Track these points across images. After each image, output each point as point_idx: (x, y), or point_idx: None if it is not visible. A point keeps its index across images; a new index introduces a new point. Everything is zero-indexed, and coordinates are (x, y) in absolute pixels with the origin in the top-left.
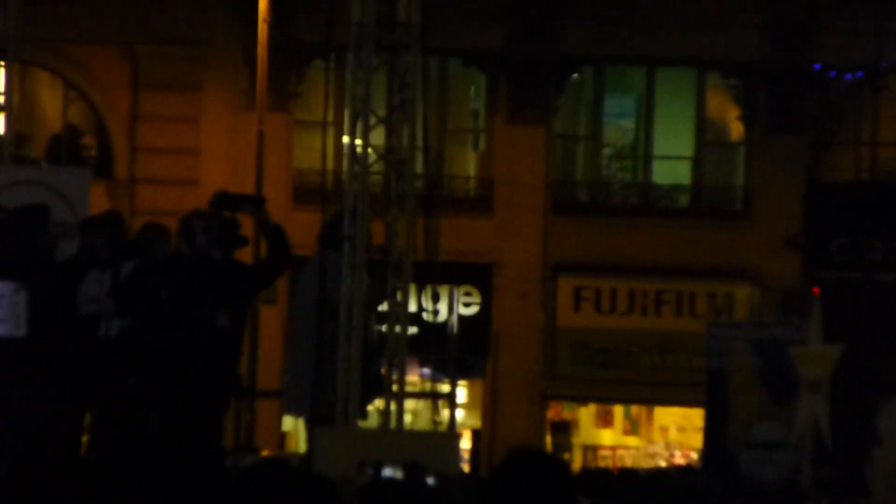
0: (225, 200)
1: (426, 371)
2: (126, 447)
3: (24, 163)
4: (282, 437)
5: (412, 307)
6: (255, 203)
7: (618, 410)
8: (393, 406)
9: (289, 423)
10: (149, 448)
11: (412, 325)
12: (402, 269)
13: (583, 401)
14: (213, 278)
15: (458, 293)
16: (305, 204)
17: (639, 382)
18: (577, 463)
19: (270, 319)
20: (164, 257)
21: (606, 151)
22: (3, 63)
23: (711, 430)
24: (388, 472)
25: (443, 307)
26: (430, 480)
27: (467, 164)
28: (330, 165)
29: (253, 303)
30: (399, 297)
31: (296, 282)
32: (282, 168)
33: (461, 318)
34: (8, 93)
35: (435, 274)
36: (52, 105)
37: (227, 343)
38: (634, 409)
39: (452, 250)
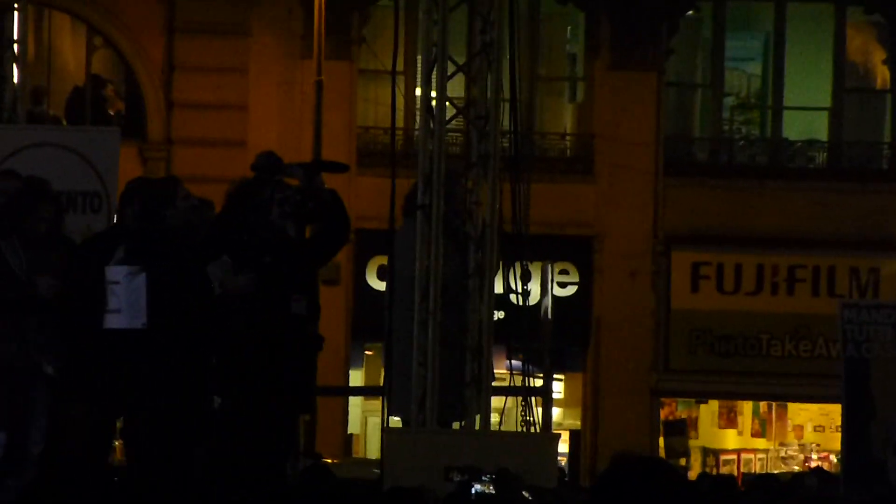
0: (311, 166)
1: (515, 363)
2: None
3: (41, 121)
4: (348, 440)
5: (498, 288)
6: (341, 169)
7: (744, 408)
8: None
9: (356, 424)
10: (217, 454)
11: (498, 308)
12: (486, 242)
13: (702, 397)
14: (290, 259)
15: (553, 271)
16: (371, 167)
17: (768, 375)
18: (695, 470)
19: (332, 302)
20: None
21: (729, 102)
22: (16, 5)
23: (851, 432)
24: (476, 486)
25: (534, 287)
26: (525, 494)
27: (563, 119)
28: (400, 122)
29: None
30: (482, 276)
31: (390, 261)
32: (343, 125)
33: (557, 300)
34: (22, 40)
35: (525, 248)
36: (73, 54)
37: (306, 334)
38: (763, 406)
39: (546, 220)
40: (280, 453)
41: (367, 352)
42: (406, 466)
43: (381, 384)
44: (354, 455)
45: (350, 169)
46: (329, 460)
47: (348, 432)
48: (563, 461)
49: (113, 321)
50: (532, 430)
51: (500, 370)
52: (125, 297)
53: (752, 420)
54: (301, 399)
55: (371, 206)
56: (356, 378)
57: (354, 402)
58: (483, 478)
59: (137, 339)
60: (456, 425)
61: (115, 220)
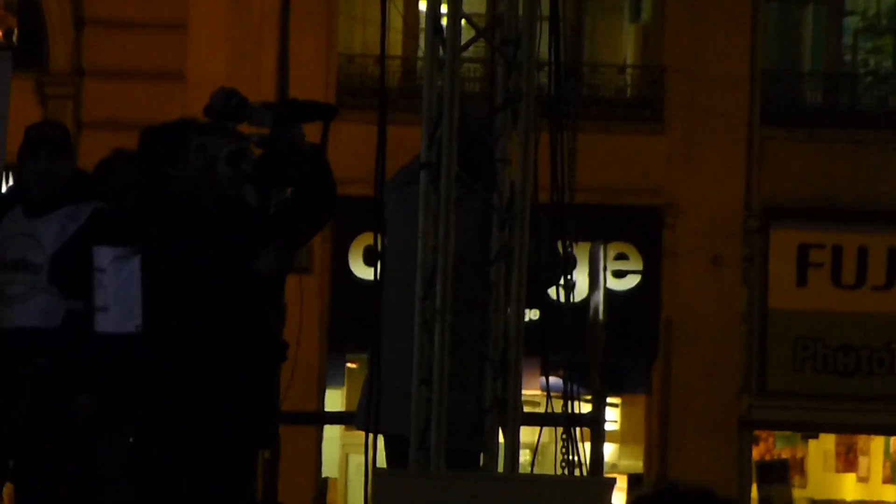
0: (283, 108)
1: (554, 382)
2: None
3: None
4: (323, 485)
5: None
6: (327, 114)
7: (870, 445)
8: (501, 437)
9: (332, 464)
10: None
11: (531, 306)
12: (516, 215)
13: (811, 430)
14: (246, 233)
15: (608, 255)
16: (357, 110)
17: None
18: None
19: (302, 298)
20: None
21: (851, 23)
22: None
23: None
24: None
25: (582, 278)
26: None
27: (622, 46)
28: (396, 48)
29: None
30: (509, 261)
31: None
32: (319, 52)
33: (612, 295)
34: None
35: (568, 224)
36: None
37: (265, 340)
38: (894, 442)
39: (598, 185)
40: None
41: (349, 364)
42: None
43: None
44: None
45: (337, 113)
46: None
47: (322, 475)
48: None
49: (101, 321)
50: (577, 472)
51: (532, 390)
52: (113, 290)
53: (884, 462)
54: (257, 429)
55: (355, 163)
56: (334, 400)
57: (332, 434)
58: None
59: (129, 346)
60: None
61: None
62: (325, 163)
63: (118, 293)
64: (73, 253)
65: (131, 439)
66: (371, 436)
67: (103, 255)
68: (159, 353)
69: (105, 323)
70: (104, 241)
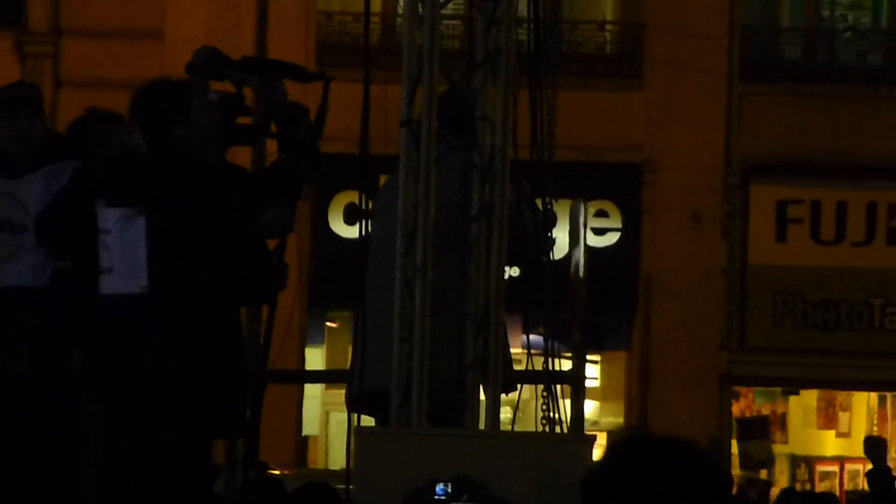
0: (268, 66)
1: (535, 339)
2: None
3: None
4: (303, 444)
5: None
6: (302, 76)
7: (851, 400)
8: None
9: (313, 422)
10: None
11: (511, 263)
12: (496, 172)
13: (791, 386)
14: (249, 191)
15: (588, 212)
16: (337, 67)
17: (886, 355)
18: (780, 484)
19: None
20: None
21: None
22: None
23: None
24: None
25: (562, 235)
26: None
27: (601, 2)
28: (376, 6)
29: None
30: (490, 218)
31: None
32: (298, 10)
33: (592, 252)
34: None
35: (548, 181)
36: None
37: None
38: (875, 398)
39: (578, 142)
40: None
41: (329, 323)
42: (382, 480)
43: (349, 366)
44: (311, 465)
45: (334, 79)
46: (277, 472)
47: (303, 434)
48: None
49: (106, 283)
50: (557, 429)
51: (514, 349)
52: (118, 251)
53: (865, 418)
54: (230, 414)
55: (335, 121)
56: (315, 359)
57: (312, 393)
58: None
59: (134, 306)
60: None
61: None
62: (312, 128)
63: (123, 254)
64: (60, 212)
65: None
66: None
67: (108, 217)
68: (165, 315)
69: (110, 284)
70: (108, 201)
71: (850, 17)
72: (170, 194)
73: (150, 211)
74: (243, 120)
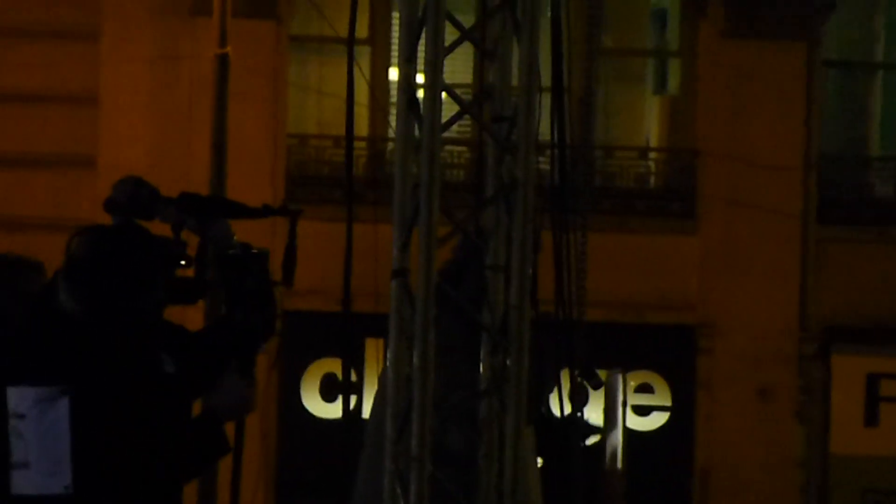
0: (205, 201)
1: None
2: None
3: None
4: None
5: None
6: (256, 212)
7: None
8: None
9: None
10: None
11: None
12: (512, 334)
13: None
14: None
15: (628, 387)
16: (312, 204)
17: None
18: None
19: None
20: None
21: None
22: None
23: None
24: None
25: (595, 413)
26: None
27: (643, 122)
28: (362, 128)
29: None
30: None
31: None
32: (264, 132)
33: (634, 437)
34: None
35: (577, 347)
36: None
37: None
38: None
39: (615, 298)
40: None
41: None
42: None
43: None
44: None
45: (302, 213)
46: None
47: None
48: None
49: (20, 481)
50: None
51: None
52: (35, 441)
53: None
54: None
55: (310, 270)
56: None
57: None
58: None
59: None
60: None
61: None
62: (267, 276)
63: (42, 445)
64: None
65: None
66: None
67: (23, 398)
68: None
69: (25, 483)
70: (23, 377)
71: None
72: (100, 368)
73: (77, 390)
74: (184, 272)
